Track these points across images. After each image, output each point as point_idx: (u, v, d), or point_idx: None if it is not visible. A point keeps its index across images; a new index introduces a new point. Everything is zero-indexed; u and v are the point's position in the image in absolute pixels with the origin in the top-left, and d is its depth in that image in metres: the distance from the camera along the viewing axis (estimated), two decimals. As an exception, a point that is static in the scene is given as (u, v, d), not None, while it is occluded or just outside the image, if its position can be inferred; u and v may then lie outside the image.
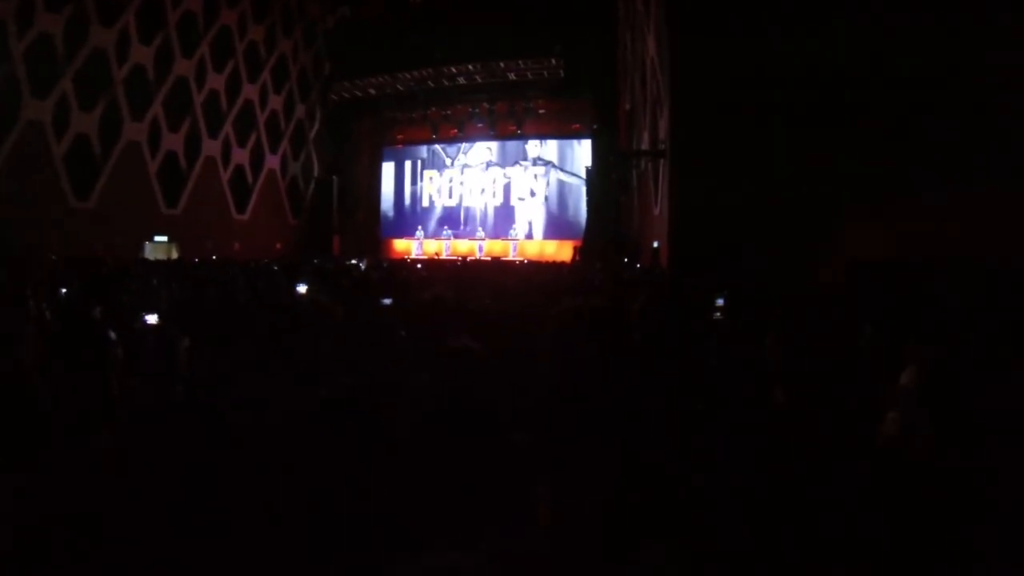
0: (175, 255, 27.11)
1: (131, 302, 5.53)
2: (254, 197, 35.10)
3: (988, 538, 1.92)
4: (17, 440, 1.95)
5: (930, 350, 2.56)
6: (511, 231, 37.43)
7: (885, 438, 2.51)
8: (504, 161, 38.08)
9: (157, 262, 18.93)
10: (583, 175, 32.50)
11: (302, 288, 6.00)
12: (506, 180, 37.99)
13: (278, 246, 34.70)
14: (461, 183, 39.12)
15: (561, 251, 33.89)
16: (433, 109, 37.34)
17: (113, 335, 2.98)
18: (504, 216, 37.86)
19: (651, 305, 5.54)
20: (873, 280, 8.59)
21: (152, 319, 5.39)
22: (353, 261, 22.20)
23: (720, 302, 5.87)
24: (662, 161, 19.30)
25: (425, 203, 39.97)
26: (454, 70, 34.86)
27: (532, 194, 37.29)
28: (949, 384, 2.40)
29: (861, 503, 2.03)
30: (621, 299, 6.51)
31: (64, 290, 6.07)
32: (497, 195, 38.24)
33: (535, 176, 37.22)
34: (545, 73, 33.49)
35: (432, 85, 35.91)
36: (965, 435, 2.20)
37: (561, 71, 32.79)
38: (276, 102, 36.65)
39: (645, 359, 3.78)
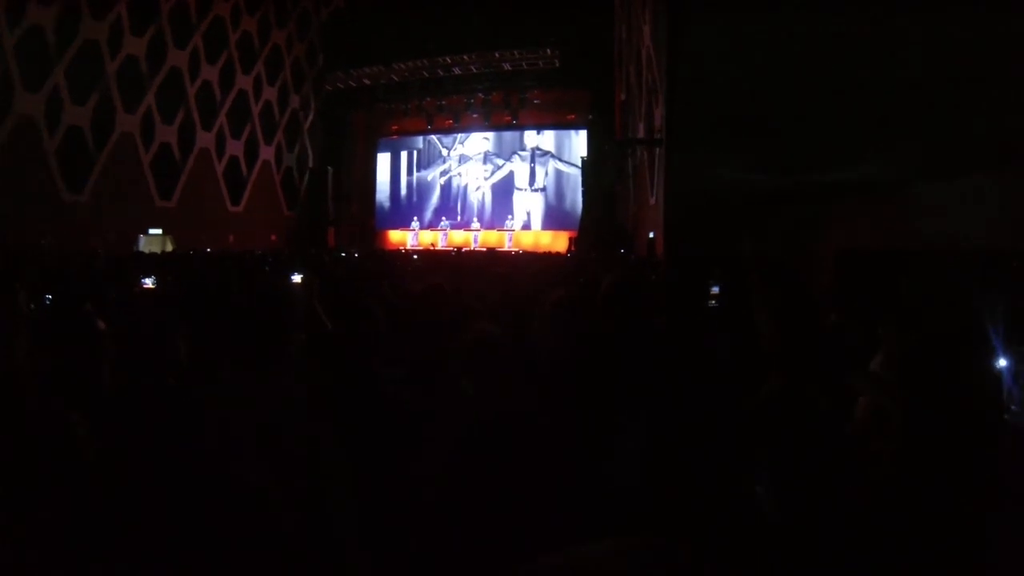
0: (170, 248, 27.02)
1: (123, 296, 5.53)
2: (249, 189, 35.00)
3: (966, 528, 1.91)
4: (10, 437, 1.92)
5: (903, 335, 2.57)
6: (507, 222, 37.39)
7: (857, 425, 2.51)
8: (501, 151, 38.04)
9: (151, 255, 18.87)
10: (579, 174, 32.50)
11: (296, 278, 5.96)
12: (503, 170, 37.95)
13: (273, 238, 34.67)
14: (458, 174, 39.08)
15: (556, 242, 33.93)
16: (428, 99, 37.26)
17: (103, 326, 2.94)
18: (501, 206, 37.83)
19: (619, 284, 5.51)
20: (864, 270, 8.61)
21: (149, 282, 5.40)
22: (343, 254, 22.24)
23: (715, 289, 5.84)
24: (658, 150, 19.31)
25: (420, 194, 39.92)
26: (449, 60, 34.76)
27: (530, 185, 37.27)
28: (921, 369, 2.39)
29: (856, 498, 2.01)
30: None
31: (55, 284, 6.04)
32: (494, 185, 38.21)
33: (532, 167, 37.20)
34: (540, 63, 33.42)
35: (427, 75, 35.83)
36: (937, 422, 2.19)
37: (556, 61, 32.74)
38: (270, 93, 36.54)
39: (624, 342, 3.76)
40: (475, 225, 37.98)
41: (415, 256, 19.84)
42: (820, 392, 2.60)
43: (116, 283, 6.19)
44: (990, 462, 2.07)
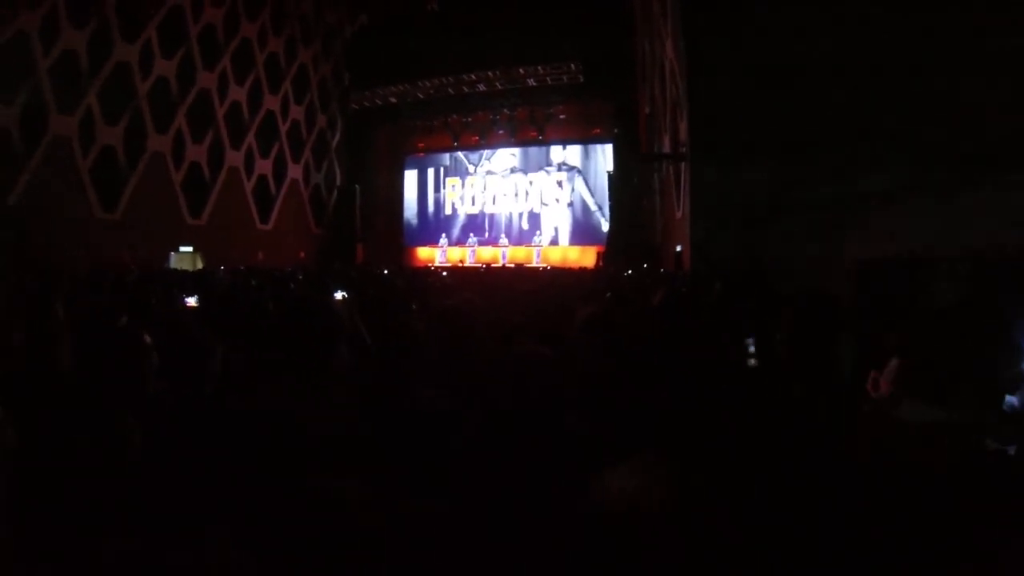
0: (200, 265, 27.31)
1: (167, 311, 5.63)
2: (277, 207, 35.32)
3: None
4: (57, 438, 1.98)
5: (905, 339, 2.58)
6: (535, 237, 37.45)
7: (864, 429, 2.51)
8: (527, 167, 38.14)
9: (184, 272, 19.08)
10: (606, 188, 32.51)
11: (339, 295, 6.01)
12: (530, 186, 38.04)
13: (301, 255, 34.89)
14: (484, 190, 39.22)
15: (584, 257, 33.84)
16: (454, 116, 37.51)
17: (148, 339, 3.01)
18: (528, 222, 37.94)
19: (670, 300, 5.53)
20: (881, 278, 8.58)
21: (192, 301, 5.50)
22: (373, 271, 22.33)
23: (742, 305, 5.83)
24: (683, 164, 19.31)
25: (448, 211, 40.09)
26: (473, 77, 34.97)
27: (557, 199, 37.32)
28: (925, 373, 2.40)
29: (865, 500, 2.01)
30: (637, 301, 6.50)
31: (93, 298, 6.14)
32: (521, 201, 38.28)
33: (559, 182, 37.25)
34: (564, 78, 33.54)
35: (452, 92, 36.06)
36: (942, 424, 2.21)
37: (580, 76, 32.83)
38: (297, 112, 36.91)
39: (666, 356, 3.77)
40: (503, 241, 38.06)
41: (444, 273, 19.88)
42: (831, 404, 2.62)
43: (158, 299, 6.29)
44: (998, 471, 2.08)
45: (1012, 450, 2.46)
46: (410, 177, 41.05)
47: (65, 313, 3.75)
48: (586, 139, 36.33)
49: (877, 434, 2.29)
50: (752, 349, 5.33)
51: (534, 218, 37.77)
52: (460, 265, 34.89)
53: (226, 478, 2.03)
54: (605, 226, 34.96)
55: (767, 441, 2.17)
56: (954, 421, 2.20)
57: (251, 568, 1.76)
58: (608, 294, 8.08)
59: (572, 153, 37.02)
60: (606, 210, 34.67)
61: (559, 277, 16.73)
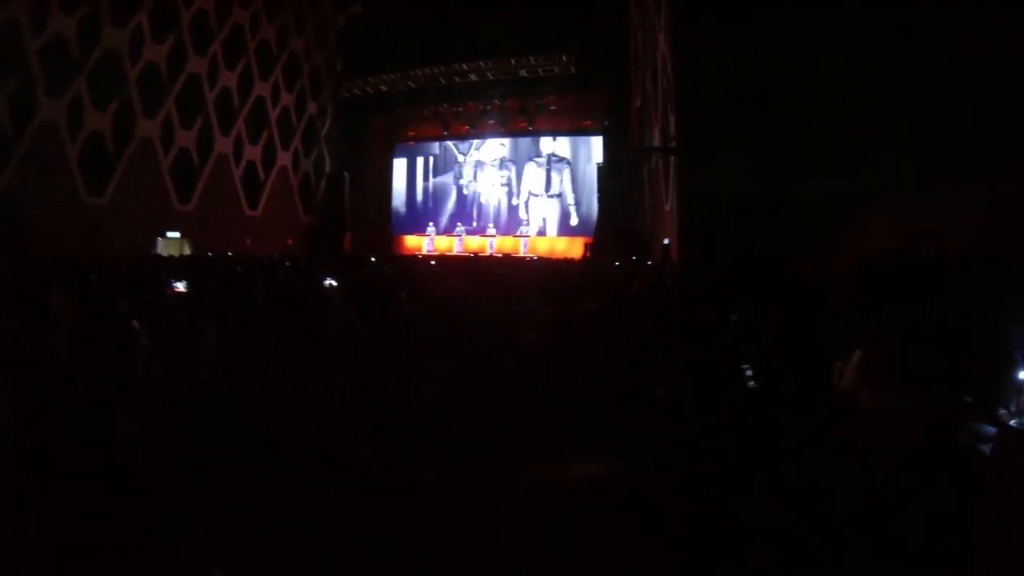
0: (187, 251, 27.24)
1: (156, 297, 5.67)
2: (266, 193, 35.21)
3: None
4: (51, 426, 2.03)
5: (883, 326, 2.64)
6: (523, 227, 37.49)
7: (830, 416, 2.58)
8: (517, 157, 38.10)
9: (171, 258, 19.05)
10: (594, 179, 32.56)
11: (328, 282, 6.07)
12: (519, 176, 38.04)
13: (289, 242, 34.77)
14: (473, 179, 39.18)
15: (572, 248, 33.87)
16: (445, 106, 37.44)
17: (137, 325, 3.06)
18: (516, 212, 37.93)
19: (644, 291, 5.60)
20: (880, 275, 8.64)
21: (180, 286, 5.57)
22: (362, 259, 22.36)
23: (730, 298, 5.90)
24: (672, 157, 19.36)
25: (436, 199, 40.06)
26: (465, 67, 34.90)
27: (546, 191, 37.34)
28: (900, 358, 2.46)
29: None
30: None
31: (86, 284, 6.18)
32: (509, 191, 38.33)
33: (548, 173, 37.25)
34: (556, 69, 33.52)
35: (443, 82, 36.00)
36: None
37: (572, 67, 32.78)
38: (288, 99, 36.77)
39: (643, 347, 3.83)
40: (491, 231, 38.02)
41: (432, 262, 19.93)
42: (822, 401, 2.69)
43: (148, 286, 6.34)
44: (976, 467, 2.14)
45: (987, 449, 2.53)
46: (399, 165, 40.93)
47: (62, 303, 3.79)
48: (576, 131, 36.29)
49: (839, 420, 2.37)
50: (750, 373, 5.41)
51: (522, 208, 37.80)
52: (447, 254, 34.89)
53: (221, 464, 2.09)
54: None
55: (752, 438, 2.24)
56: (909, 409, 2.26)
57: (246, 551, 1.82)
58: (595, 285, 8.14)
59: (562, 144, 36.99)
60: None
61: (546, 267, 16.82)
